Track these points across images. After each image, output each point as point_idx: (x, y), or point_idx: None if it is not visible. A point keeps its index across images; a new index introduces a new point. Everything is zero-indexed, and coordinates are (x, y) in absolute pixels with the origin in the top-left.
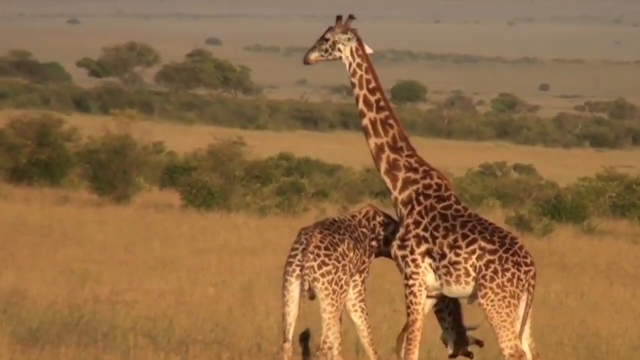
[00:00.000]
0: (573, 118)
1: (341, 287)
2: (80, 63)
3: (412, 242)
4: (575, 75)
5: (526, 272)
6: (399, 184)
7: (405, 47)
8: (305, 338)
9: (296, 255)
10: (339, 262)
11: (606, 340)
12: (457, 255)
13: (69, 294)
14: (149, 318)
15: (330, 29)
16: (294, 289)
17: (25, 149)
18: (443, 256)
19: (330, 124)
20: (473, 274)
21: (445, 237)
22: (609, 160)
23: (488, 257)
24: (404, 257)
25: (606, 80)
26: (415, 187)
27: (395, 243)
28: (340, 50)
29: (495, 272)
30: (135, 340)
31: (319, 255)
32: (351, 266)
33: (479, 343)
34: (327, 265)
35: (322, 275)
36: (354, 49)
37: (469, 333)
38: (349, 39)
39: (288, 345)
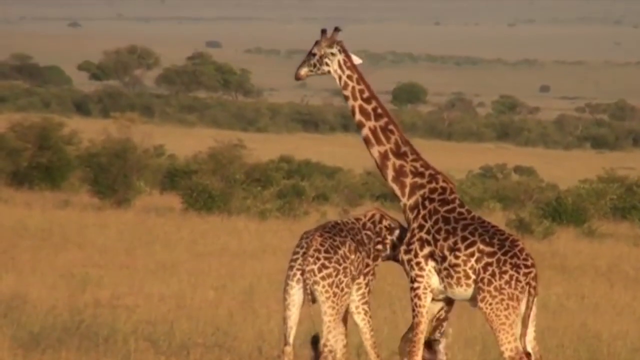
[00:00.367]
0: (573, 119)
1: (342, 290)
2: (81, 66)
3: (416, 245)
4: (575, 76)
5: (525, 274)
6: (407, 190)
7: (406, 49)
8: (315, 342)
9: (297, 259)
10: (340, 265)
11: (607, 343)
12: (457, 257)
13: (69, 297)
14: (149, 322)
15: (317, 43)
16: (295, 292)
17: (25, 152)
18: (444, 258)
19: (330, 127)
20: (473, 277)
21: (445, 239)
22: (609, 162)
23: (486, 259)
24: (409, 261)
25: (606, 82)
26: (421, 192)
27: (402, 247)
28: (327, 64)
29: (493, 274)
30: (135, 344)
31: (318, 259)
32: (352, 268)
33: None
34: (327, 268)
35: (322, 278)
36: (341, 62)
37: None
38: (335, 53)
39: (289, 349)
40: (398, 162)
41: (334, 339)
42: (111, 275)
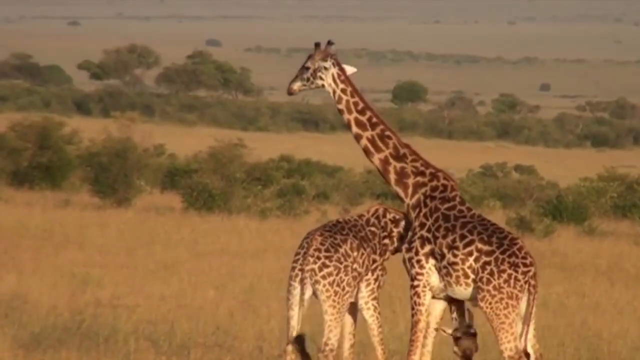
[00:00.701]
0: (574, 118)
1: (343, 289)
2: (81, 65)
3: (417, 243)
4: (575, 74)
5: (524, 273)
6: (410, 190)
7: (406, 47)
8: (300, 341)
9: (299, 259)
10: (341, 263)
11: (607, 341)
12: (455, 255)
13: (70, 297)
14: (150, 321)
15: (310, 57)
16: (297, 292)
17: (26, 152)
18: (443, 256)
19: (331, 125)
20: (472, 276)
21: (444, 237)
22: (609, 160)
23: (484, 258)
24: (410, 259)
25: (607, 80)
26: (423, 190)
27: (404, 246)
28: (321, 78)
29: (491, 273)
30: (136, 344)
31: (319, 258)
32: (356, 266)
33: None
34: (327, 266)
35: (323, 277)
36: (335, 75)
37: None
38: (329, 66)
39: (291, 348)
40: (399, 165)
41: (335, 337)
42: (112, 275)
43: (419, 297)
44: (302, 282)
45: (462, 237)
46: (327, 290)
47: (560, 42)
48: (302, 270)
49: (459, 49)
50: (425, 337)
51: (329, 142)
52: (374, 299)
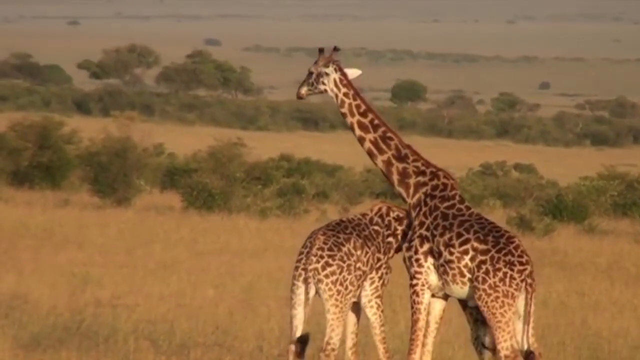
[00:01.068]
0: (573, 116)
1: (346, 288)
2: (81, 65)
3: (416, 242)
4: (575, 73)
5: (520, 271)
6: (411, 190)
7: (405, 46)
8: (303, 341)
9: (302, 259)
10: (344, 262)
11: (608, 340)
12: (451, 253)
13: (69, 297)
14: (149, 321)
15: (315, 62)
16: (301, 292)
17: (25, 151)
18: (440, 254)
19: (330, 124)
20: (468, 275)
21: (442, 235)
22: (609, 159)
23: (480, 257)
24: (409, 258)
25: (606, 78)
26: (424, 189)
27: (404, 245)
28: (324, 83)
29: (487, 272)
30: (136, 344)
31: (322, 257)
32: (359, 265)
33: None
34: (330, 265)
35: (326, 276)
36: (337, 80)
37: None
38: (330, 72)
39: (294, 347)
40: (401, 166)
41: (337, 337)
42: (111, 275)
43: (417, 295)
44: (305, 281)
45: (459, 235)
46: (330, 289)
47: (559, 40)
48: (305, 269)
49: (458, 48)
50: (425, 336)
51: (328, 141)
52: (378, 297)
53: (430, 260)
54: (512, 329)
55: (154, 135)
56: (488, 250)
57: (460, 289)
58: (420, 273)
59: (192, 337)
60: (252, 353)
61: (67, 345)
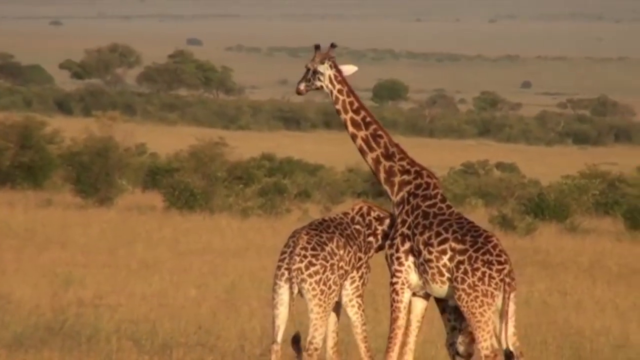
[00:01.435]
0: (555, 115)
1: (329, 287)
2: (62, 65)
3: (398, 240)
4: (557, 72)
5: (499, 271)
6: (396, 188)
7: (386, 45)
8: (297, 340)
9: (285, 258)
10: (327, 262)
11: (590, 339)
12: (430, 252)
13: (52, 297)
14: (132, 321)
15: (312, 59)
16: (283, 292)
17: (7, 151)
18: (419, 253)
19: (312, 124)
20: (447, 274)
21: (422, 234)
22: (591, 158)
23: (458, 257)
24: (391, 256)
25: (588, 77)
26: (407, 188)
27: (387, 242)
28: (320, 80)
29: (465, 272)
30: (118, 343)
31: (305, 256)
32: (342, 264)
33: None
34: (314, 265)
35: (310, 276)
36: (332, 77)
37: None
38: (325, 69)
39: (277, 347)
40: (388, 164)
41: (320, 336)
42: (94, 275)
43: (397, 294)
44: (289, 281)
45: (437, 234)
46: (314, 289)
47: (541, 39)
48: (288, 269)
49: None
50: (407, 335)
51: (310, 141)
52: (359, 296)
53: (411, 259)
54: (492, 329)
55: (136, 135)
56: (466, 250)
57: (440, 288)
58: (401, 271)
59: (175, 337)
60: (234, 353)
61: (49, 345)
